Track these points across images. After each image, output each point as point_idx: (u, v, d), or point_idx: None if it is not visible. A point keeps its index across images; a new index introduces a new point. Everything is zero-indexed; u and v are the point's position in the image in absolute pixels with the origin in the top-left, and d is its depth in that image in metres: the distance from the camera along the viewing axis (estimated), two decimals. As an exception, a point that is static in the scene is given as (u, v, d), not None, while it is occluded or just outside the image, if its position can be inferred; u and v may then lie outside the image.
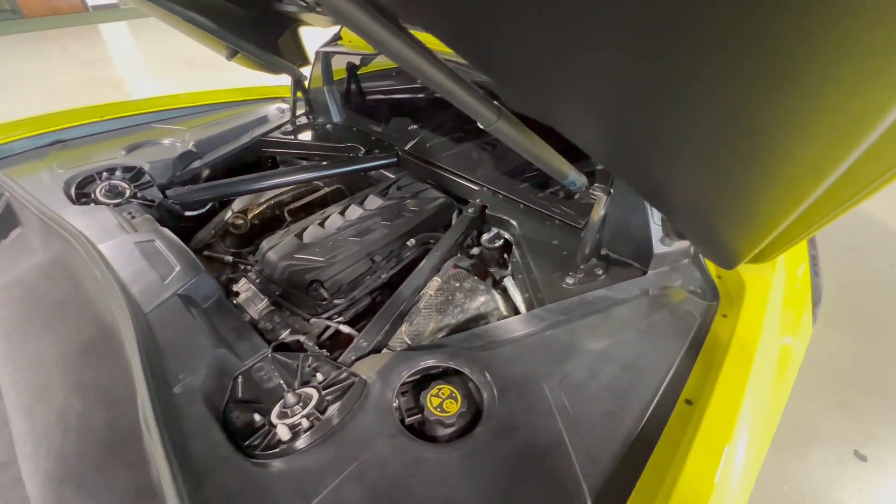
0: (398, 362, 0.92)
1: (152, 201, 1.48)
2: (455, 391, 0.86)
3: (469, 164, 1.75)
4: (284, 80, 2.17)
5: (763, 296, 1.09)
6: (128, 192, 1.44)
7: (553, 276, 1.25)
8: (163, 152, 1.67)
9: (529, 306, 1.26)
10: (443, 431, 0.83)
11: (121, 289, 0.95)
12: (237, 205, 1.73)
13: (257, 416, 0.84)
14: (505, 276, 1.44)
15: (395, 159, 1.88)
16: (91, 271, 1.03)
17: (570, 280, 1.23)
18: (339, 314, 1.32)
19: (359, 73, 2.21)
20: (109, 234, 1.19)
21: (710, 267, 1.25)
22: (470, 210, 1.52)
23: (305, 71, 2.04)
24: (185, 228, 1.58)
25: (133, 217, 1.35)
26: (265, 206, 1.74)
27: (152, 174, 1.55)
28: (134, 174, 1.52)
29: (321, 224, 1.49)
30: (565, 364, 0.92)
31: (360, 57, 2.07)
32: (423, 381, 0.94)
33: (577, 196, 1.69)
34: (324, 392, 0.85)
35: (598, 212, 1.16)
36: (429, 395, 0.85)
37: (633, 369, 0.92)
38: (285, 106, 2.18)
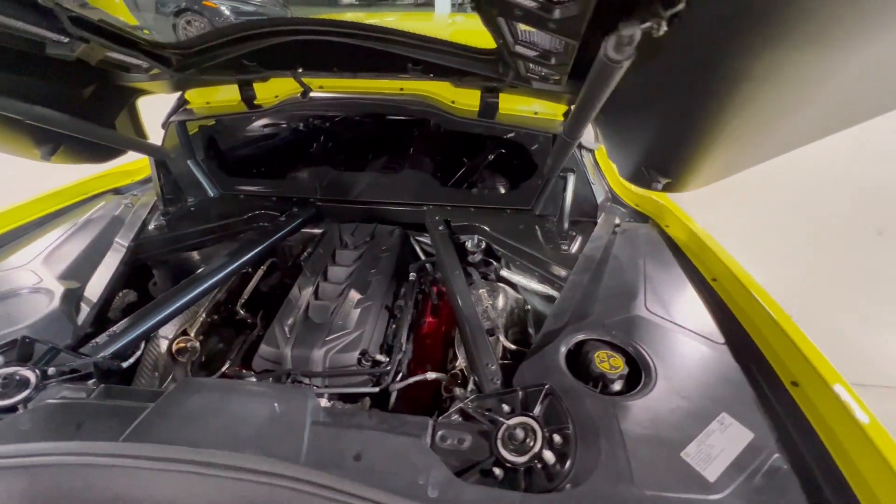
0: (549, 357, 1.02)
1: (76, 371, 1.04)
2: (610, 352, 1.02)
3: (394, 189, 1.80)
4: (90, 169, 1.68)
5: (670, 202, 1.61)
6: (33, 378, 0.97)
7: (550, 250, 1.50)
8: (28, 307, 1.15)
9: (545, 280, 1.48)
10: (621, 385, 0.99)
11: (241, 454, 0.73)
12: (168, 331, 1.34)
13: (497, 470, 0.82)
14: (497, 270, 1.61)
15: (315, 211, 1.76)
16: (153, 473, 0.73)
17: (564, 246, 1.50)
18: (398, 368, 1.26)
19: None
20: (99, 429, 0.83)
21: (626, 199, 1.72)
22: (440, 227, 1.61)
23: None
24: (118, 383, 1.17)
25: (74, 402, 0.94)
26: (203, 316, 1.40)
27: (44, 338, 1.07)
28: (20, 350, 1.02)
29: (317, 298, 1.34)
30: (636, 298, 1.19)
31: (213, 119, 1.79)
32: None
33: (493, 187, 1.97)
34: (533, 412, 0.89)
35: (570, 187, 1.45)
36: (598, 364, 0.99)
37: (668, 278, 1.27)
38: (126, 200, 1.70)
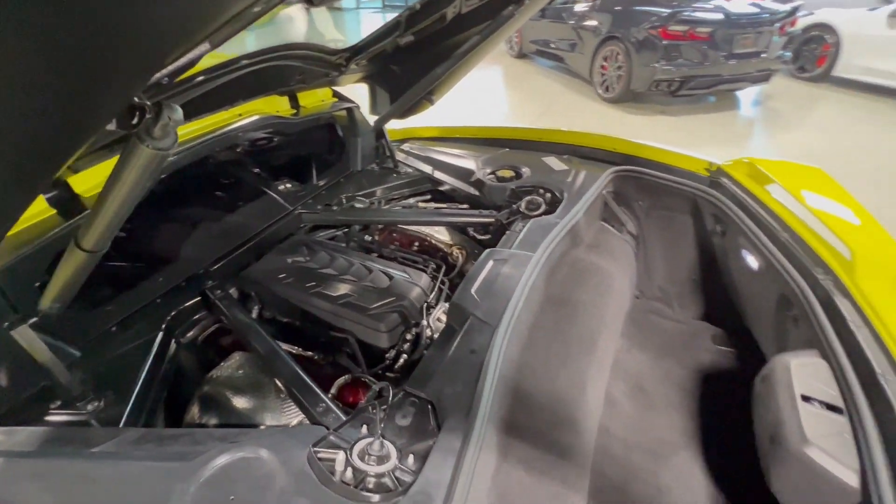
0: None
1: None
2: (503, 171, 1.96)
3: (263, 214, 1.75)
4: None
5: (403, 129, 2.54)
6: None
7: (400, 175, 2.15)
8: None
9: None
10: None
11: None
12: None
13: None
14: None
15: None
16: None
17: (403, 170, 2.20)
18: None
19: None
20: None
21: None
22: (335, 207, 1.90)
23: None
24: None
25: None
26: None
27: None
28: None
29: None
30: (472, 160, 2.11)
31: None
32: None
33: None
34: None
35: (386, 137, 2.12)
36: (501, 174, 1.91)
37: (461, 148, 2.25)
38: None
